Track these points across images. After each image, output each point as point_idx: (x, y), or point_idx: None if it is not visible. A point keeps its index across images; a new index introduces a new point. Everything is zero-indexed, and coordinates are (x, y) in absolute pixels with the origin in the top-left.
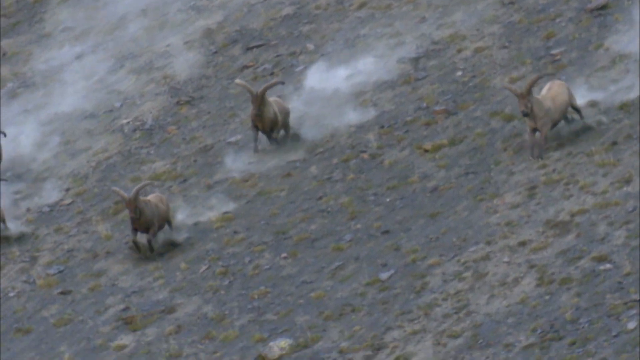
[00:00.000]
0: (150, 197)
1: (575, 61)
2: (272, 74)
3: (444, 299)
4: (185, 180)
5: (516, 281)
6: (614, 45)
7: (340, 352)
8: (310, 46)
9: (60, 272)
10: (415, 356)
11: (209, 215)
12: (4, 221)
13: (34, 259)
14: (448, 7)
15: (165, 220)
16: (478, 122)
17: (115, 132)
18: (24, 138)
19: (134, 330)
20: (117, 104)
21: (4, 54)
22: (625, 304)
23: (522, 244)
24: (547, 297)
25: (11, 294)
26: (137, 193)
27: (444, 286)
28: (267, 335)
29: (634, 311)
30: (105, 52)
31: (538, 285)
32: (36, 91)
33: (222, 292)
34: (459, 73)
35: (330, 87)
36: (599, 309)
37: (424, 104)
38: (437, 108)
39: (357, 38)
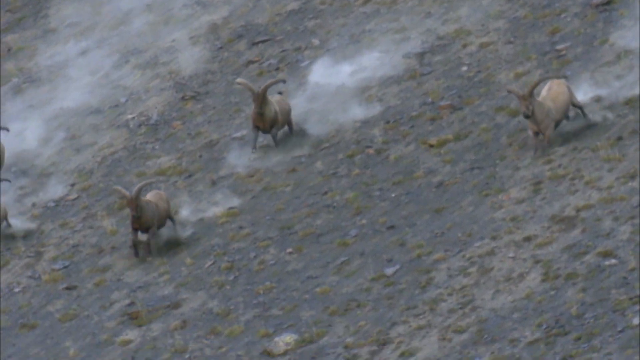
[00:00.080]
0: (149, 195)
1: (581, 56)
2: (277, 69)
3: (449, 294)
4: (190, 176)
5: (521, 276)
6: (619, 40)
7: (346, 347)
8: (316, 41)
9: (65, 267)
10: (420, 351)
11: (215, 210)
12: (6, 219)
13: (39, 254)
14: (453, 2)
15: (166, 218)
16: (483, 117)
17: (120, 127)
18: (29, 133)
19: (139, 326)
20: (123, 99)
21: (9, 50)
22: (631, 299)
23: (528, 239)
24: (552, 293)
25: (16, 290)
26: (139, 192)
27: (449, 281)
28: (273, 330)
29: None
30: (111, 48)
31: (543, 281)
32: (41, 86)
33: (228, 287)
34: (464, 68)
35: (336, 82)
36: (604, 304)
37: (429, 99)
38: (443, 103)
39: (362, 33)
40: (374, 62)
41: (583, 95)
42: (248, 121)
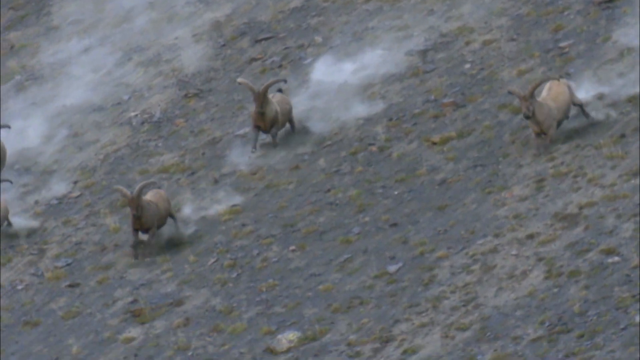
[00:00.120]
0: (149, 195)
1: (583, 54)
2: (280, 66)
3: (452, 292)
4: (193, 173)
5: (524, 274)
6: (622, 38)
7: (349, 344)
8: (318, 39)
9: (68, 264)
10: (423, 349)
11: (217, 208)
12: (7, 218)
13: (42, 252)
14: None
15: (167, 217)
16: (486, 114)
17: (123, 124)
18: (32, 131)
19: (142, 323)
20: (125, 97)
21: (11, 47)
22: (634, 296)
23: (530, 236)
24: (555, 290)
25: (19, 287)
26: (140, 191)
27: (452, 279)
28: (275, 328)
29: None
30: (113, 45)
31: (546, 278)
32: (44, 84)
33: (231, 284)
34: (467, 65)
35: (338, 80)
36: (607, 301)
37: (432, 97)
38: (445, 101)
39: (365, 31)
40: (376, 59)
41: (585, 93)
42: (251, 118)
